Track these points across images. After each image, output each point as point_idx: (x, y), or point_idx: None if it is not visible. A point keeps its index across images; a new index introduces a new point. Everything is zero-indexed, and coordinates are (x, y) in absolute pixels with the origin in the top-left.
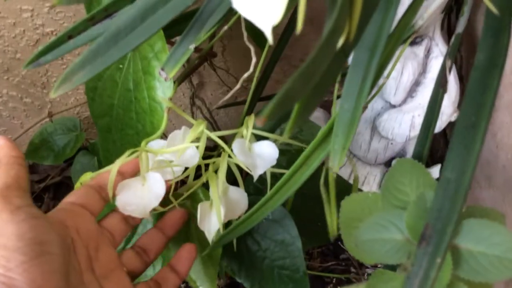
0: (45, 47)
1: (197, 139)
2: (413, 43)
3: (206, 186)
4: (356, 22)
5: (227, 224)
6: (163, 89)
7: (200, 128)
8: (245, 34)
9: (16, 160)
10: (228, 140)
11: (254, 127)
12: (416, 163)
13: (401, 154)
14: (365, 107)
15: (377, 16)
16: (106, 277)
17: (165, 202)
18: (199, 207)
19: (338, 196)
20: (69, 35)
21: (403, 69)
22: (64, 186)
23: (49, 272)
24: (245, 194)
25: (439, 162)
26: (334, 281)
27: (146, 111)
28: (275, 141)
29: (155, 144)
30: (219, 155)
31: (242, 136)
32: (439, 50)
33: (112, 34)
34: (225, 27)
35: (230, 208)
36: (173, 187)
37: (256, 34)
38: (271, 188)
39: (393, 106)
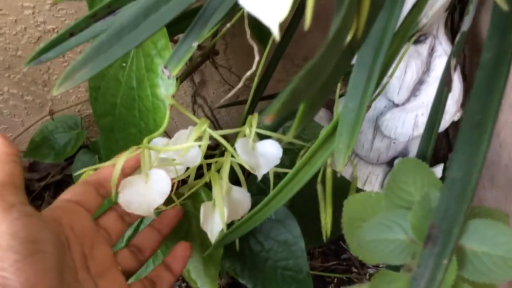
0: (47, 44)
1: (199, 138)
2: (416, 42)
3: (207, 186)
4: (364, 18)
5: (229, 225)
6: (165, 86)
7: (203, 127)
8: (248, 31)
9: (10, 157)
10: (229, 139)
11: (258, 126)
12: (420, 163)
13: (403, 153)
14: (368, 106)
15: (382, 13)
16: (101, 275)
17: (167, 201)
18: (202, 207)
19: (339, 195)
20: (71, 32)
21: (407, 68)
22: (65, 185)
23: (42, 271)
24: (248, 194)
25: (441, 162)
26: (335, 281)
27: (149, 109)
28: (277, 140)
29: (158, 142)
30: (220, 155)
31: (245, 135)
32: (442, 49)
33: (115, 31)
34: (228, 25)
35: (233, 208)
36: (175, 186)
37: (259, 31)
38: (274, 187)
39: (396, 105)
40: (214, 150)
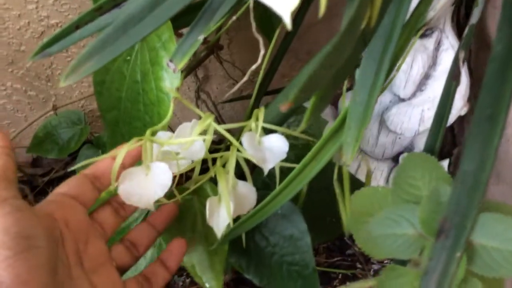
0: (52, 37)
1: (203, 133)
2: (423, 36)
3: (213, 180)
4: (378, 7)
5: (235, 220)
6: (170, 79)
7: (208, 121)
8: (253, 24)
9: (2, 149)
10: (233, 134)
11: (264, 121)
12: (428, 157)
13: (409, 148)
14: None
15: (392, 5)
16: (95, 271)
17: (169, 195)
18: (208, 202)
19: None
20: (77, 25)
21: (413, 62)
22: None
23: (35, 267)
24: (254, 189)
25: (446, 157)
26: (340, 277)
27: (154, 102)
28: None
29: (161, 136)
30: (225, 149)
31: (250, 130)
32: (449, 43)
33: (121, 23)
34: (233, 18)
35: (238, 203)
36: (176, 180)
37: (264, 24)
38: (280, 182)
39: (402, 100)
40: (217, 145)
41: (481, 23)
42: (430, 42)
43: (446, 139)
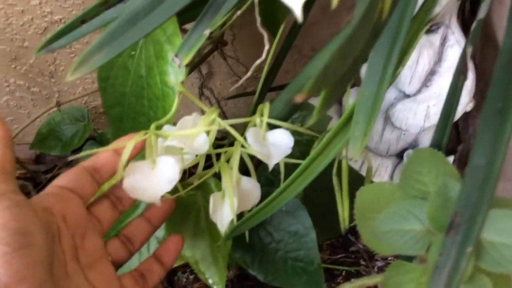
0: (58, 32)
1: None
2: (429, 31)
3: (217, 176)
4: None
5: (239, 216)
6: (175, 73)
7: (213, 116)
8: (258, 19)
9: (1, 141)
10: (236, 130)
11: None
12: (435, 152)
13: (413, 145)
14: None
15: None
16: (91, 266)
17: (174, 190)
18: (212, 198)
19: (349, 187)
20: (82, 20)
21: (419, 58)
22: None
23: (32, 264)
24: (258, 185)
25: (450, 154)
26: (343, 274)
27: (159, 97)
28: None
29: (166, 129)
30: (229, 145)
31: (255, 125)
32: (455, 39)
33: (129, 16)
34: (238, 12)
35: (242, 199)
36: (180, 174)
37: (269, 19)
38: (284, 178)
39: (407, 96)
40: (220, 141)
41: (486, 18)
42: (436, 38)
43: (450, 136)
